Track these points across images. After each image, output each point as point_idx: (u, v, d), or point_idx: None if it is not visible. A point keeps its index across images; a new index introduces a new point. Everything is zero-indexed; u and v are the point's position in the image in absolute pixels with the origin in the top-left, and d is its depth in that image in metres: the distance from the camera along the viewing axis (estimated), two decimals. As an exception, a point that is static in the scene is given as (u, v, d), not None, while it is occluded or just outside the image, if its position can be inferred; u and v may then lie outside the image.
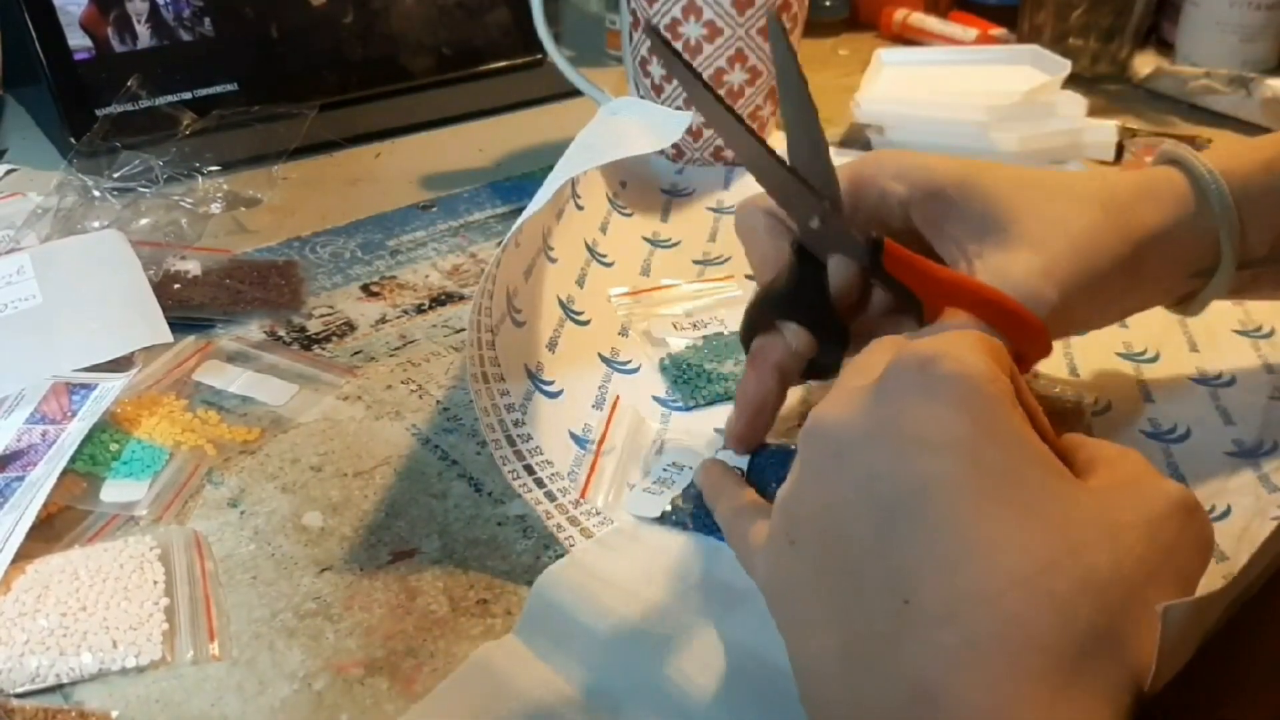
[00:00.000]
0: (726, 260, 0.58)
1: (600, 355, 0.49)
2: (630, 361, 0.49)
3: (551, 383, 0.46)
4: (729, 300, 0.54)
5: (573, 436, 0.44)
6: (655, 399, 0.47)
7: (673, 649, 0.34)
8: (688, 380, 0.47)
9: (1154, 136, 0.71)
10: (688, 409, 0.46)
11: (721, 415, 0.46)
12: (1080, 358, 0.49)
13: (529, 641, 0.35)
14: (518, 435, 0.43)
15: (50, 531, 0.39)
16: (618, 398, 0.46)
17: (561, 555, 0.38)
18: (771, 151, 0.38)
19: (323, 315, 0.53)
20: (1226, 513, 0.40)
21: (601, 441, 0.44)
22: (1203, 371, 0.48)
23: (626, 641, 0.34)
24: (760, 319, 0.41)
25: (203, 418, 0.45)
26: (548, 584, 0.36)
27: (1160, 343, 0.50)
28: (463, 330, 0.52)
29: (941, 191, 0.39)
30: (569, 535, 0.39)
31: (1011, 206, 0.38)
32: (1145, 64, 0.86)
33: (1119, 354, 0.50)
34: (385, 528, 0.40)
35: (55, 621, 0.34)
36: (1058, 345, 0.51)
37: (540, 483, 0.41)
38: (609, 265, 0.56)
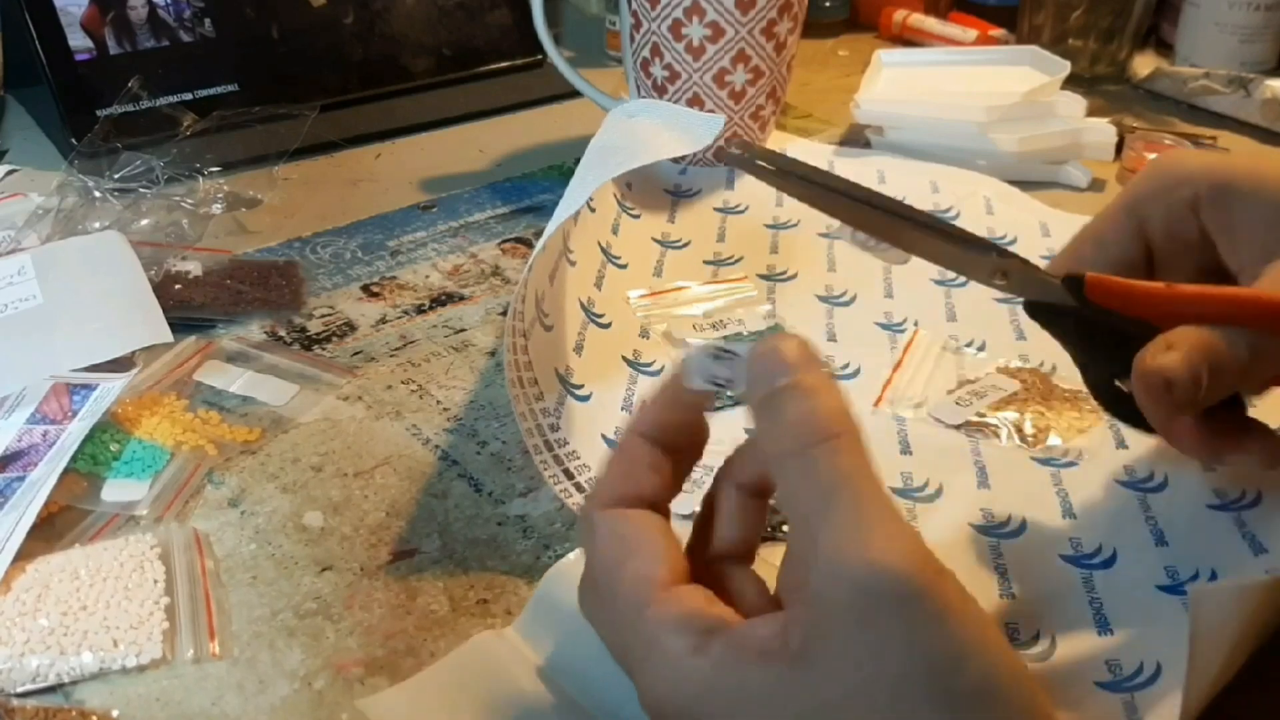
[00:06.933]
0: (739, 261, 0.59)
1: (623, 357, 0.49)
2: (653, 363, 0.49)
3: (581, 386, 0.46)
4: (745, 300, 0.54)
5: (605, 439, 0.44)
6: None
7: None
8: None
9: (1153, 131, 0.71)
10: (714, 409, 0.46)
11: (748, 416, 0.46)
12: None
13: (528, 636, 0.35)
14: (555, 440, 0.43)
15: (51, 531, 0.39)
16: (644, 401, 0.46)
17: (564, 555, 0.38)
18: (927, 222, 0.36)
19: (323, 315, 0.53)
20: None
21: None
22: None
23: None
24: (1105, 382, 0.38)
25: (203, 418, 0.45)
26: (555, 580, 0.36)
27: None
28: (463, 331, 0.52)
29: (1231, 184, 0.34)
30: None
31: None
32: (1144, 65, 0.86)
33: None
34: (385, 527, 0.40)
35: (56, 621, 0.34)
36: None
37: (580, 488, 0.41)
38: (623, 267, 0.56)
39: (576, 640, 0.34)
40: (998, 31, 0.92)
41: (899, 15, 0.96)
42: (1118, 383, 0.37)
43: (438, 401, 0.47)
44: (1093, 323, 0.36)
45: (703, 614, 0.28)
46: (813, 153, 0.72)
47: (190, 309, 0.52)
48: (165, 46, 0.71)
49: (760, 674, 0.26)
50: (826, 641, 0.25)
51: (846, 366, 0.49)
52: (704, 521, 0.32)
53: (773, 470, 0.28)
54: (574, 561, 0.37)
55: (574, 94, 0.72)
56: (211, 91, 0.72)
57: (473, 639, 0.35)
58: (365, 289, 0.56)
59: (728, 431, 0.45)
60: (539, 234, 0.62)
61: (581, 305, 0.51)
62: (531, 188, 0.67)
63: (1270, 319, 0.32)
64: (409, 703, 0.33)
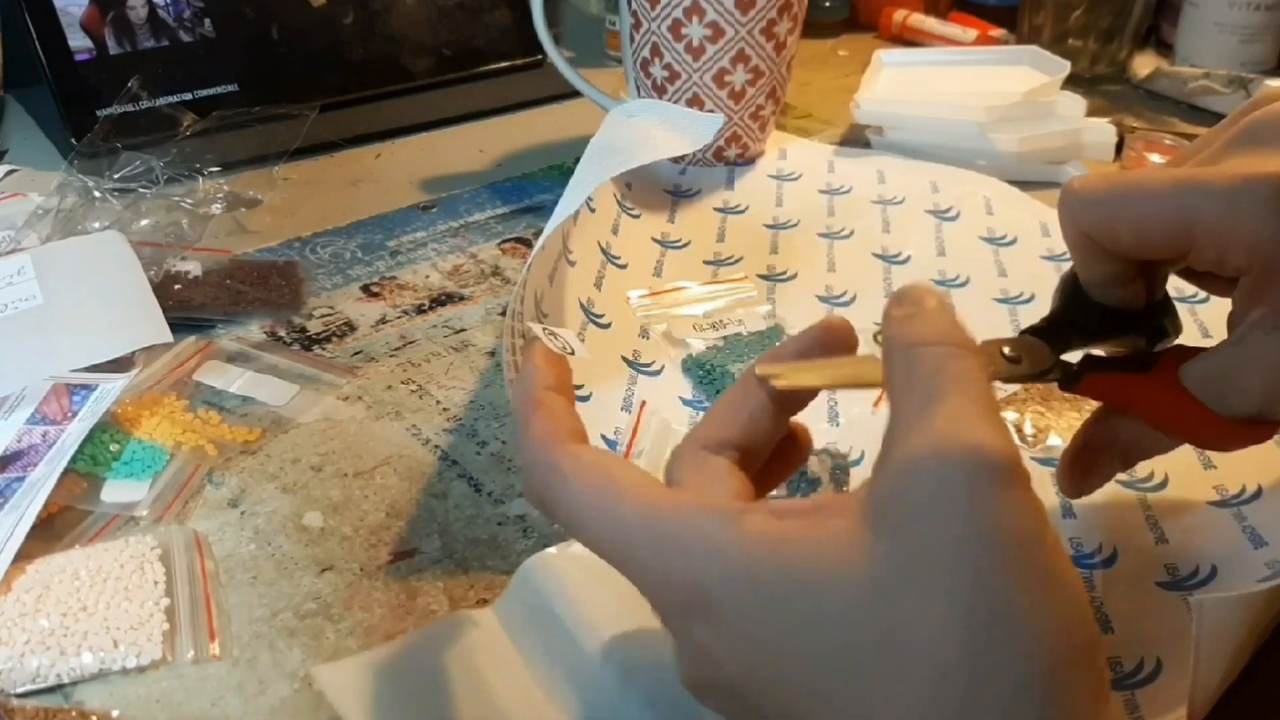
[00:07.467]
0: (739, 260, 0.58)
1: (623, 357, 0.49)
2: (653, 363, 0.49)
3: (580, 386, 0.46)
4: (745, 300, 0.54)
5: (604, 439, 0.44)
6: (682, 400, 0.47)
7: (634, 653, 0.33)
8: (711, 380, 0.48)
9: (1153, 131, 0.71)
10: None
11: None
12: None
13: (504, 618, 0.35)
14: None
15: (50, 532, 0.39)
16: (644, 402, 0.46)
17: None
18: None
19: (323, 316, 0.53)
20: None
21: (630, 445, 0.44)
22: None
23: (590, 639, 0.34)
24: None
25: (203, 418, 0.45)
26: (534, 567, 0.36)
27: None
28: (463, 331, 0.52)
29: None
30: None
31: None
32: (1144, 65, 0.86)
33: None
34: (385, 528, 0.40)
35: (56, 621, 0.34)
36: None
37: None
38: (623, 267, 0.56)
39: (550, 627, 0.34)
40: (998, 31, 0.92)
41: (899, 15, 0.96)
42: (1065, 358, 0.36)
43: (438, 401, 0.47)
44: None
45: (729, 492, 0.27)
46: (813, 152, 0.72)
47: (190, 309, 0.52)
48: (165, 46, 0.71)
49: (820, 536, 0.25)
50: (915, 505, 0.24)
51: (846, 367, 0.49)
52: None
53: (895, 357, 0.27)
54: (555, 554, 0.37)
55: (574, 94, 0.72)
56: (211, 91, 0.72)
57: (448, 616, 0.35)
58: (365, 289, 0.56)
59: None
60: (539, 234, 0.62)
61: (581, 305, 0.51)
62: (531, 188, 0.67)
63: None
64: (364, 674, 0.33)
